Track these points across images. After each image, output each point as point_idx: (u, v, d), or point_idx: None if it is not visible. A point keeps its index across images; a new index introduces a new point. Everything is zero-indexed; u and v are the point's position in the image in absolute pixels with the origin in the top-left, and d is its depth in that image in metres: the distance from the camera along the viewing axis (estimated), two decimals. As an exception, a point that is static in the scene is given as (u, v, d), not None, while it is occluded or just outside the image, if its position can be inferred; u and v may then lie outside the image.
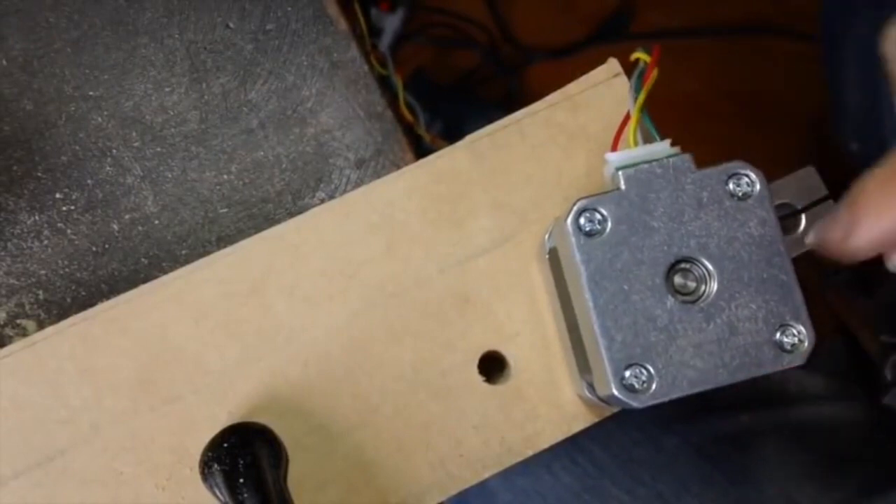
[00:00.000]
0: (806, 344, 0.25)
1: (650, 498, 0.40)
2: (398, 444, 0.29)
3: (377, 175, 0.36)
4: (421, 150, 0.36)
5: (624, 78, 0.32)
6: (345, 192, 0.36)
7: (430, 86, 0.90)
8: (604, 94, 0.32)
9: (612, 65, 0.32)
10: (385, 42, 0.78)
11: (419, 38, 0.91)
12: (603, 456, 0.41)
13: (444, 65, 0.95)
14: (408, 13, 0.83)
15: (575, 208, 0.26)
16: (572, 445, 0.42)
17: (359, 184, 0.36)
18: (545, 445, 0.30)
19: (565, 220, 0.26)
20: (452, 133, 0.64)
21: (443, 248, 0.30)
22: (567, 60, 0.94)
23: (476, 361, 0.30)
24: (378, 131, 0.36)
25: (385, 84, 0.37)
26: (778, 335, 0.25)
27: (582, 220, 0.26)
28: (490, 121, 0.31)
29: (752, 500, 0.40)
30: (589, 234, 0.25)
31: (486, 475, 0.29)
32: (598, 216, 0.26)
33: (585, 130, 0.31)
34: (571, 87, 0.32)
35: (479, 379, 0.30)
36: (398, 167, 0.35)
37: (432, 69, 0.93)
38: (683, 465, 0.41)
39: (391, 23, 0.79)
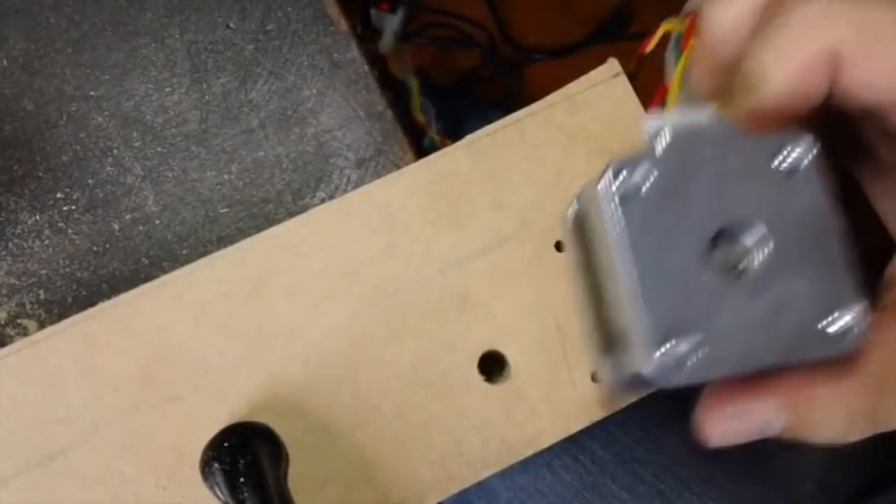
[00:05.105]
0: (856, 331, 0.22)
1: (651, 496, 0.40)
2: (398, 444, 0.29)
3: (377, 175, 0.36)
4: (421, 151, 0.36)
5: (623, 78, 0.32)
6: (345, 191, 0.36)
7: (430, 86, 0.90)
8: (603, 93, 0.32)
9: (612, 65, 0.32)
10: (385, 43, 0.78)
11: (419, 39, 0.91)
12: (604, 454, 0.41)
13: (444, 65, 0.95)
14: (408, 14, 0.83)
15: (611, 169, 0.23)
16: (573, 444, 0.42)
17: (359, 184, 0.36)
18: (545, 445, 0.30)
19: (598, 181, 0.23)
20: (452, 133, 0.64)
21: (443, 248, 0.30)
22: (567, 60, 0.95)
23: (476, 361, 0.30)
24: (378, 131, 0.36)
25: (387, 84, 0.37)
26: (827, 320, 0.22)
27: (618, 183, 0.23)
28: (490, 121, 0.31)
29: (753, 498, 0.40)
30: (625, 197, 0.23)
31: (487, 474, 0.29)
32: (635, 178, 0.23)
33: (585, 130, 0.32)
34: (571, 87, 0.32)
35: (480, 378, 0.30)
36: (398, 167, 0.35)
37: (432, 69, 0.93)
38: (684, 464, 0.41)
39: (391, 23, 0.80)
